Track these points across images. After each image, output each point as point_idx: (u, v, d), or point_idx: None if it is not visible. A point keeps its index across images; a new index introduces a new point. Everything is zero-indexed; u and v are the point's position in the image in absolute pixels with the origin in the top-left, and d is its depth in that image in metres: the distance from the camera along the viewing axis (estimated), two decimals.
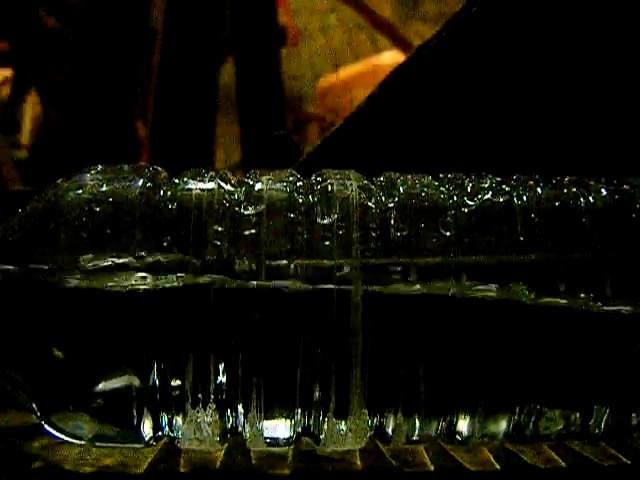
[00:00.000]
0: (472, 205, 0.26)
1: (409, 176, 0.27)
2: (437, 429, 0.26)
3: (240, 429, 0.26)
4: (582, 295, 0.26)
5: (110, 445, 0.26)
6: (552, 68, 0.41)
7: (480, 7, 0.40)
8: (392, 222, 0.26)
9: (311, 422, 0.26)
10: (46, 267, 0.25)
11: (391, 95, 0.43)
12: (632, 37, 0.40)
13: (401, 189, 0.27)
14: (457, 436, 0.26)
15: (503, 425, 0.26)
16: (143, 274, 0.24)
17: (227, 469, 0.27)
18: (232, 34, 0.96)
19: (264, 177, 0.27)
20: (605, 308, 0.26)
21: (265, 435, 0.26)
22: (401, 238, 0.25)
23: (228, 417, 0.25)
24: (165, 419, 0.25)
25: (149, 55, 0.92)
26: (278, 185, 0.26)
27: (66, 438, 0.26)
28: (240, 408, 0.25)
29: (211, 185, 0.26)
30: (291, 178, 0.27)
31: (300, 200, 0.26)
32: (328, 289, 0.25)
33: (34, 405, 0.26)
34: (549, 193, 0.27)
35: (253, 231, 0.25)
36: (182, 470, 0.27)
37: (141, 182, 0.26)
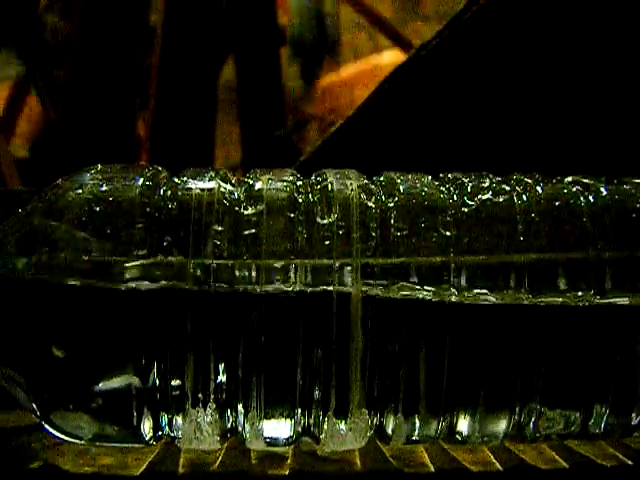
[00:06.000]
0: (472, 205, 0.26)
1: (409, 176, 0.27)
2: (437, 429, 0.26)
3: (240, 429, 0.26)
4: (582, 294, 0.26)
5: (110, 445, 0.26)
6: (552, 68, 0.41)
7: (480, 7, 0.40)
8: (392, 222, 0.26)
9: (311, 422, 0.26)
10: (46, 267, 0.25)
11: (391, 95, 0.43)
12: (632, 37, 0.40)
13: (401, 189, 0.27)
14: (457, 436, 0.26)
15: (503, 425, 0.26)
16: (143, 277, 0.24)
17: (227, 469, 0.27)
18: (232, 34, 0.96)
19: (264, 177, 0.27)
20: (605, 308, 0.26)
21: (265, 435, 0.26)
22: (401, 238, 0.25)
23: (228, 417, 0.25)
24: (165, 419, 0.25)
25: (149, 55, 0.92)
26: (278, 185, 0.26)
27: (66, 438, 0.26)
28: (240, 408, 0.25)
29: (211, 185, 0.26)
30: (291, 178, 0.27)
31: (300, 200, 0.26)
32: (328, 289, 0.25)
33: (34, 405, 0.26)
34: (549, 193, 0.27)
35: (253, 231, 0.25)
36: (182, 470, 0.27)
37: (141, 182, 0.26)
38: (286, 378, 0.25)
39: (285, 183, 0.26)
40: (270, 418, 0.25)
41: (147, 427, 0.25)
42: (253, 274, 0.25)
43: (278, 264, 0.25)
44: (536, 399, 0.26)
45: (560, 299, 0.25)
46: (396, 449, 0.28)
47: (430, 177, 0.28)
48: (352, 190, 0.26)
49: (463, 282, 0.25)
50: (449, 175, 0.28)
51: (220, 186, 0.26)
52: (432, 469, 0.27)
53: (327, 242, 0.25)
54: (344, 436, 0.26)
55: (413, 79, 0.42)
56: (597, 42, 0.40)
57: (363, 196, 0.26)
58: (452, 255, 0.25)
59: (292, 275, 0.25)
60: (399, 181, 0.27)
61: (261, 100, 0.99)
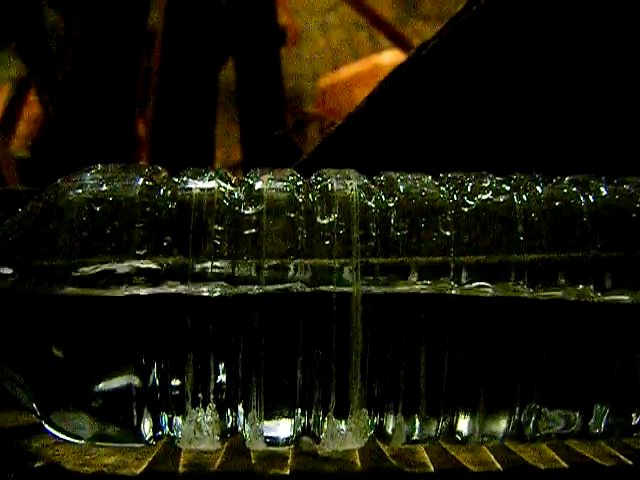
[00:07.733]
0: (472, 205, 0.26)
1: (409, 176, 0.27)
2: (437, 429, 0.26)
3: (240, 429, 0.26)
4: (581, 294, 0.26)
5: (110, 445, 0.26)
6: (552, 68, 0.41)
7: (480, 7, 0.40)
8: (392, 222, 0.26)
9: (311, 422, 0.26)
10: (46, 267, 0.25)
11: (391, 95, 0.43)
12: (632, 37, 0.40)
13: (401, 189, 0.27)
14: (457, 436, 0.26)
15: (503, 425, 0.26)
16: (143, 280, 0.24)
17: (227, 469, 0.27)
18: (232, 34, 0.96)
19: (264, 177, 0.27)
20: (605, 307, 0.26)
21: (265, 435, 0.26)
22: (401, 238, 0.25)
23: (228, 417, 0.25)
24: (165, 419, 0.25)
25: (149, 55, 0.92)
26: (278, 185, 0.26)
27: (66, 438, 0.26)
28: (240, 408, 0.25)
29: (211, 185, 0.26)
30: (291, 178, 0.27)
31: (300, 200, 0.26)
32: (328, 289, 0.25)
33: (34, 405, 0.26)
34: (549, 193, 0.27)
35: (253, 231, 0.25)
36: (182, 470, 0.27)
37: (141, 182, 0.26)
38: (286, 378, 0.25)
39: (285, 183, 0.26)
40: (270, 418, 0.25)
41: (147, 427, 0.25)
42: (253, 274, 0.25)
43: (278, 264, 0.25)
44: (536, 399, 0.26)
45: (560, 293, 0.25)
46: (396, 449, 0.28)
47: (430, 177, 0.28)
48: (352, 190, 0.26)
49: (462, 282, 0.25)
50: (449, 175, 0.28)
51: (220, 186, 0.26)
52: (432, 469, 0.27)
53: (327, 242, 0.25)
54: (344, 436, 0.26)
55: (413, 79, 0.42)
56: (597, 42, 0.40)
57: (363, 196, 0.26)
58: (452, 255, 0.25)
59: (292, 275, 0.25)
60: (399, 181, 0.27)
61: (261, 100, 0.99)
